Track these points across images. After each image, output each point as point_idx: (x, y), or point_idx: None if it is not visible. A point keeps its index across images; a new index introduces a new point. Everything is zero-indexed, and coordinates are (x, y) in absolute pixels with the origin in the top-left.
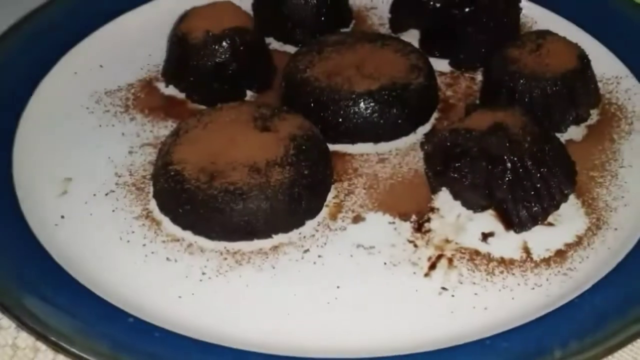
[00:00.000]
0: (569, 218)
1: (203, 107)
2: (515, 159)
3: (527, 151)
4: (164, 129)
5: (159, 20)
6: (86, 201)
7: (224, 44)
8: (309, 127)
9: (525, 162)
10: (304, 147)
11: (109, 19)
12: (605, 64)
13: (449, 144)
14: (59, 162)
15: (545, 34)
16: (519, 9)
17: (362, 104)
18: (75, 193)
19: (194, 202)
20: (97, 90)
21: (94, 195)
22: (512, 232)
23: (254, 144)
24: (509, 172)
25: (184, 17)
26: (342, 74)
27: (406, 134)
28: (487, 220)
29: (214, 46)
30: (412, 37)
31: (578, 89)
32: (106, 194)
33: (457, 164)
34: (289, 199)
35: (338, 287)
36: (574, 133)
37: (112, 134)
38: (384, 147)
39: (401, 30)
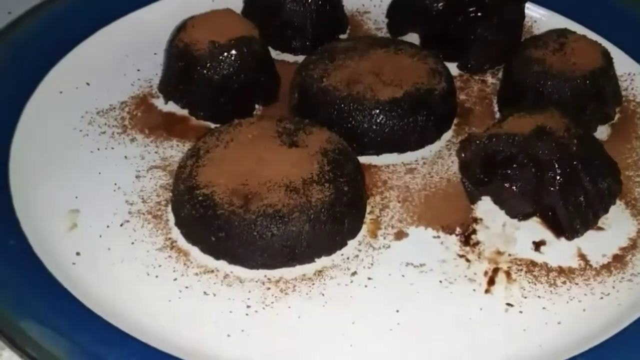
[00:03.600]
0: (616, 221)
1: (208, 123)
2: (565, 163)
3: (576, 154)
4: (170, 149)
5: (145, 31)
6: (100, 234)
7: (232, 54)
8: (337, 140)
9: (575, 166)
10: (338, 162)
11: (90, 32)
12: (615, 61)
13: (489, 150)
14: (61, 193)
15: (565, 33)
16: (524, 8)
17: (387, 113)
18: (86, 226)
19: (230, 228)
20: (88, 111)
21: (107, 227)
22: (563, 239)
23: (285, 161)
24: (559, 177)
25: (182, 27)
26: (362, 82)
27: (431, 141)
28: (534, 228)
29: (220, 57)
30: (411, 40)
31: (605, 87)
32: (121, 225)
33: (504, 171)
34: (332, 219)
35: (397, 311)
36: (598, 132)
37: (113, 158)
38: (409, 156)
39: (400, 34)
